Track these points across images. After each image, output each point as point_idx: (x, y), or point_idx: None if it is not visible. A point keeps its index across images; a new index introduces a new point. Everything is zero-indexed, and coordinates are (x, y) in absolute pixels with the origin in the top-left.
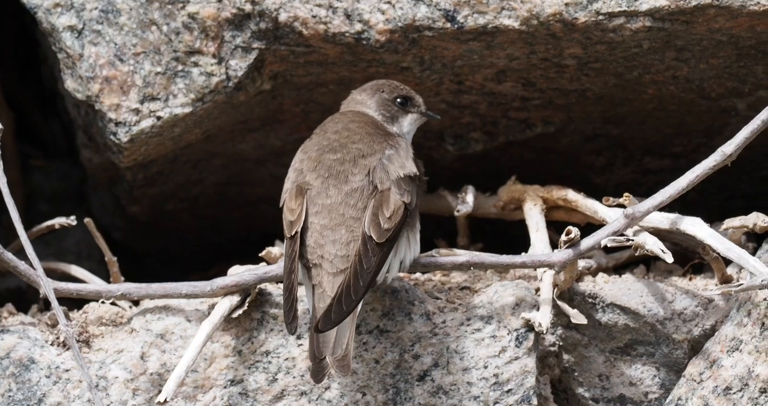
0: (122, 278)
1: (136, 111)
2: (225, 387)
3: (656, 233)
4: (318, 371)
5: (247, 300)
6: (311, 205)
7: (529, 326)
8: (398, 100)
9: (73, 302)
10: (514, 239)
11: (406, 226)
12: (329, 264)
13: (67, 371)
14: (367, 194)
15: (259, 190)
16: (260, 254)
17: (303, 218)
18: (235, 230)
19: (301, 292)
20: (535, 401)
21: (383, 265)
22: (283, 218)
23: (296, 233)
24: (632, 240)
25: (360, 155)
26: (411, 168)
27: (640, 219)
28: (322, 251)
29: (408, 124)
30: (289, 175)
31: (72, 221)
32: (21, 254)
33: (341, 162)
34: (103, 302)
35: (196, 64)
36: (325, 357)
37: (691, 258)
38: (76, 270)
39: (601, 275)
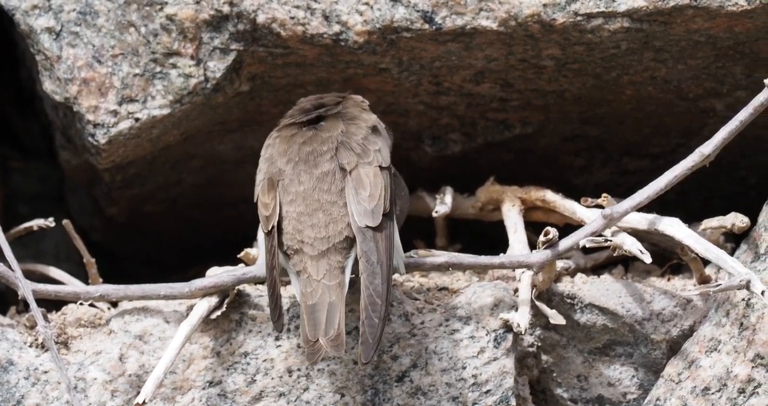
0: (101, 280)
1: (114, 113)
2: (203, 388)
3: (634, 233)
4: (312, 353)
5: (226, 301)
6: (285, 194)
7: (507, 327)
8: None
9: (52, 304)
10: (493, 239)
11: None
12: (310, 247)
13: (45, 372)
14: (339, 178)
15: (237, 192)
16: (239, 256)
17: (278, 211)
18: (214, 231)
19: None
20: (513, 401)
21: (392, 245)
22: (258, 213)
23: (273, 227)
24: (610, 241)
25: (323, 132)
26: (369, 120)
27: (618, 220)
28: (301, 236)
29: None
30: (260, 167)
31: (50, 222)
32: None
33: (308, 143)
34: (81, 304)
35: (174, 66)
36: (318, 339)
37: (670, 258)
38: (54, 272)
39: (579, 275)
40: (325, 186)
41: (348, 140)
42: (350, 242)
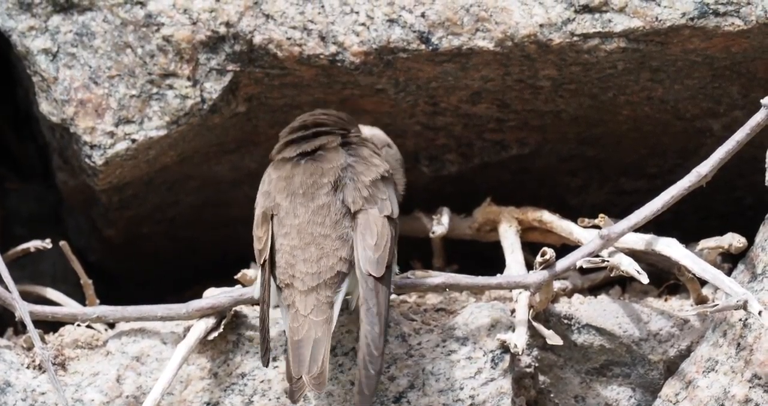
0: (98, 301)
1: (111, 134)
2: None
3: (632, 253)
4: (295, 391)
5: (223, 322)
6: (280, 226)
7: (504, 348)
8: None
9: (49, 325)
10: (490, 260)
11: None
12: (300, 282)
13: (43, 394)
14: (336, 212)
15: (234, 212)
16: (236, 277)
17: (269, 245)
18: (211, 252)
19: (277, 314)
20: None
21: (390, 294)
22: (254, 247)
23: (265, 260)
24: (608, 261)
25: (325, 166)
26: (381, 168)
27: (615, 240)
28: (293, 271)
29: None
30: (258, 201)
31: (47, 243)
32: None
33: (309, 176)
34: (78, 325)
35: (170, 87)
36: (301, 376)
37: (667, 279)
38: (51, 293)
39: (576, 296)
40: (319, 219)
41: (355, 178)
42: (342, 276)
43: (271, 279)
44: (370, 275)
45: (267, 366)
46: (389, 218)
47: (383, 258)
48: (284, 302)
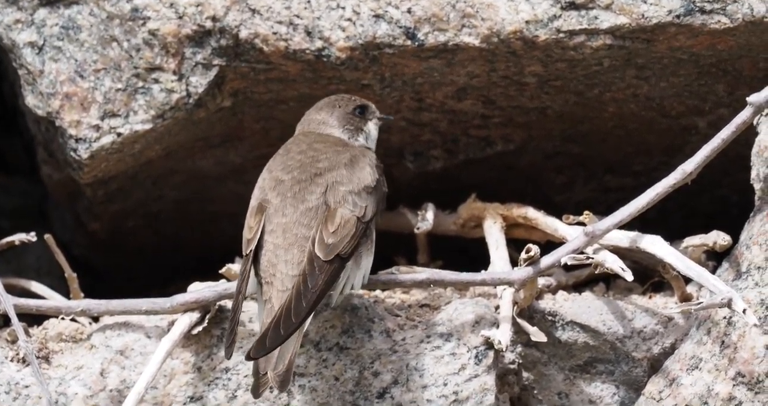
0: (82, 295)
1: (97, 127)
2: (185, 404)
3: (616, 251)
4: (258, 387)
5: (207, 317)
6: (268, 223)
7: (488, 344)
8: (357, 110)
9: (33, 318)
10: (474, 256)
11: (364, 237)
12: (280, 282)
13: (26, 387)
14: (320, 213)
15: (219, 207)
16: (220, 271)
17: (258, 237)
18: (196, 246)
19: (254, 309)
20: None
21: (335, 282)
22: (243, 234)
23: (251, 251)
24: (592, 258)
25: (320, 173)
26: (367, 180)
27: (600, 237)
28: (274, 270)
29: (374, 130)
30: (254, 193)
31: (32, 237)
32: None
33: (301, 181)
34: (63, 318)
35: (156, 81)
36: (266, 372)
37: (651, 276)
38: (36, 286)
39: (560, 292)
40: (305, 220)
41: (341, 188)
42: None
43: (252, 272)
44: (317, 256)
45: (229, 358)
46: (359, 218)
47: (336, 246)
48: (262, 297)
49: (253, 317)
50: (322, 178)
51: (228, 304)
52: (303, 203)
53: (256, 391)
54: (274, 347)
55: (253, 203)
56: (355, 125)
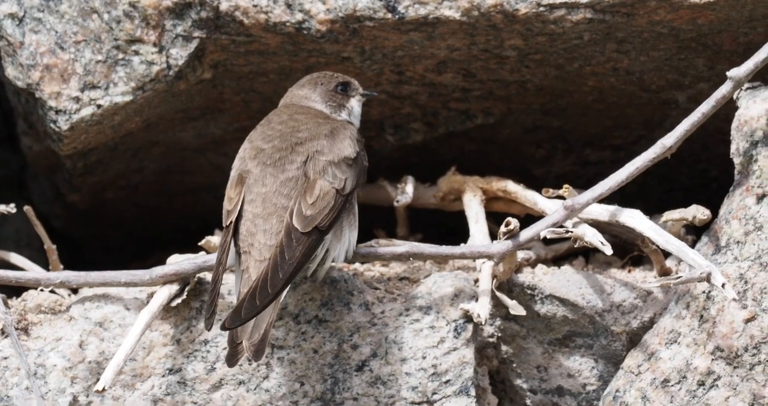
0: (61, 266)
1: (77, 99)
2: (163, 376)
3: (596, 224)
4: (232, 356)
5: (186, 289)
6: (248, 193)
7: (467, 317)
8: (339, 87)
9: (12, 290)
10: (454, 229)
11: (344, 211)
12: (257, 252)
13: (5, 358)
14: (300, 184)
15: (198, 179)
16: (200, 244)
17: (239, 207)
18: (175, 218)
19: (233, 281)
20: (473, 391)
21: (312, 254)
22: (223, 206)
23: (231, 222)
24: (571, 232)
25: (300, 143)
26: (347, 151)
27: (579, 211)
28: (252, 240)
29: (357, 106)
30: (234, 164)
31: (11, 208)
32: None
33: (281, 149)
34: (42, 290)
35: (136, 53)
36: (241, 341)
37: (631, 250)
38: (15, 258)
39: (540, 266)
40: (285, 190)
41: (322, 158)
42: None
43: (232, 243)
44: (295, 227)
45: (209, 330)
46: (338, 191)
47: (314, 218)
48: (240, 267)
49: (233, 290)
50: (302, 147)
51: (207, 276)
52: (283, 173)
53: (231, 360)
54: (250, 317)
55: (233, 173)
56: (338, 102)
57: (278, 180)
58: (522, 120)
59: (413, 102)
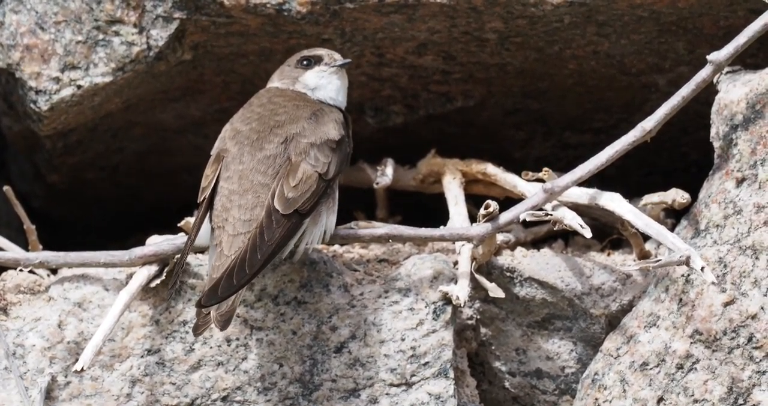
0: (40, 246)
1: (57, 80)
2: (142, 357)
3: (575, 207)
4: (200, 326)
5: (165, 270)
6: (224, 170)
7: (446, 299)
8: (303, 62)
9: None
10: (433, 212)
11: (325, 196)
12: (231, 227)
13: None
14: (280, 163)
15: (178, 160)
16: (179, 225)
17: (213, 184)
18: (155, 199)
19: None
20: (451, 374)
21: (292, 237)
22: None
23: (204, 198)
24: (551, 215)
25: (279, 125)
26: (331, 134)
27: (559, 194)
28: (227, 215)
29: (313, 78)
30: (215, 145)
31: None
32: None
33: (259, 131)
34: (21, 270)
35: (117, 34)
36: (209, 312)
37: (610, 233)
38: None
39: (519, 249)
40: (262, 168)
41: (303, 140)
42: None
43: (207, 219)
44: (276, 209)
45: (169, 299)
46: (321, 175)
47: (295, 201)
48: (213, 242)
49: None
50: (281, 129)
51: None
52: (261, 151)
53: (197, 329)
54: (226, 296)
55: (212, 153)
56: (291, 76)
57: (255, 158)
58: (502, 103)
59: (393, 84)
